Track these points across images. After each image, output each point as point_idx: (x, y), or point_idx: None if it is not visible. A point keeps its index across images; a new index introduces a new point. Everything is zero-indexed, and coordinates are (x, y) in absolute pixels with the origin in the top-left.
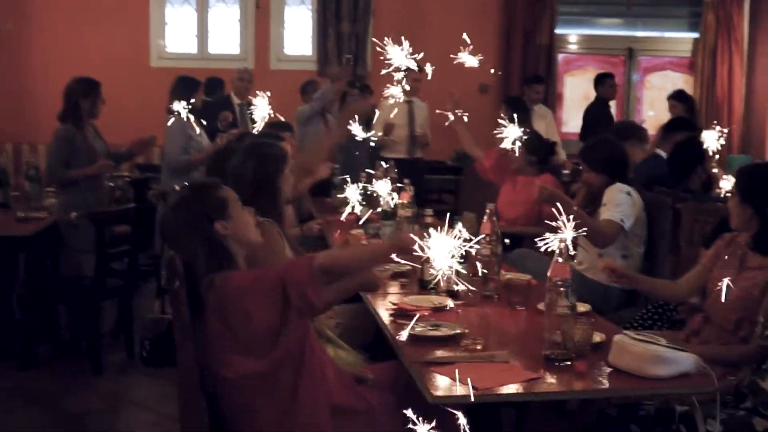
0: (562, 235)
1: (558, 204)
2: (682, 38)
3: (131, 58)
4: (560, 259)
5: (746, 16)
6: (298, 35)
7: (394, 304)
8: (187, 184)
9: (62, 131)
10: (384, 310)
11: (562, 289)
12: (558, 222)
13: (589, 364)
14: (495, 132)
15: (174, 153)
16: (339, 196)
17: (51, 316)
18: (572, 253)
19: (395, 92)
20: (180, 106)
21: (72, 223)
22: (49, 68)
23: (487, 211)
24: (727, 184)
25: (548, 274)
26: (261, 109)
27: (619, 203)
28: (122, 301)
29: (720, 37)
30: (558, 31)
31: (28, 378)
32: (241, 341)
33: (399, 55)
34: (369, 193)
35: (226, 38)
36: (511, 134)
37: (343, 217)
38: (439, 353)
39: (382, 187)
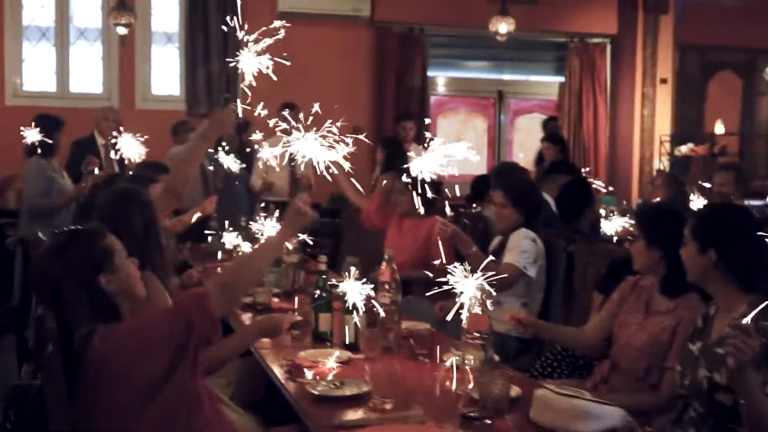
0: (474, 282)
1: (457, 243)
2: (549, 82)
3: None
4: (477, 310)
5: (608, 60)
6: (164, 74)
7: (287, 359)
8: (66, 229)
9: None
10: (278, 367)
11: (480, 342)
12: (459, 267)
13: (511, 423)
14: (374, 174)
15: (35, 196)
16: (218, 240)
17: None
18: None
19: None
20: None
21: None
22: None
23: (386, 257)
24: (609, 225)
25: (464, 326)
26: (130, 150)
27: (525, 250)
28: None
29: (584, 81)
30: (430, 73)
31: None
32: (118, 401)
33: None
34: (253, 234)
35: (89, 76)
36: (399, 175)
37: (222, 264)
38: (348, 415)
39: (269, 227)
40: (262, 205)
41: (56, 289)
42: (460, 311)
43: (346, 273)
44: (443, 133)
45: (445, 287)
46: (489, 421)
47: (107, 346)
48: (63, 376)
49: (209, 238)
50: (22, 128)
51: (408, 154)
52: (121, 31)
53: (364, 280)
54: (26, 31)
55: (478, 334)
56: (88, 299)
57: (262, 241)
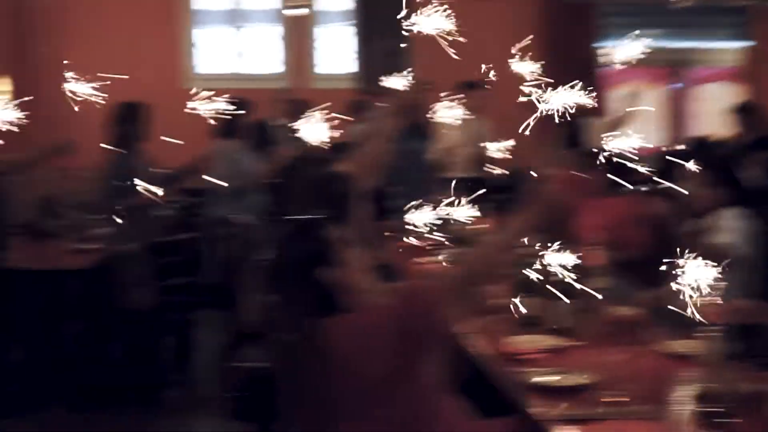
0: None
1: None
2: (727, 48)
3: (165, 79)
4: (719, 300)
5: None
6: (337, 53)
7: (498, 345)
8: (292, 218)
9: (113, 161)
10: (488, 353)
11: (722, 333)
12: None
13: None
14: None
15: (221, 178)
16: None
17: (107, 352)
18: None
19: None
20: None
21: (129, 254)
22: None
23: (593, 240)
24: None
25: (706, 318)
26: (312, 132)
27: (735, 230)
28: (181, 335)
29: None
30: (601, 44)
31: (84, 421)
32: (348, 392)
33: None
34: (444, 217)
35: (264, 57)
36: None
37: (411, 243)
38: (576, 407)
39: (462, 212)
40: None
41: (284, 277)
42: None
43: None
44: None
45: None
46: (735, 420)
47: (335, 338)
48: (296, 364)
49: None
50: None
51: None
52: (298, 12)
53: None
54: (204, 15)
55: (723, 325)
56: (313, 289)
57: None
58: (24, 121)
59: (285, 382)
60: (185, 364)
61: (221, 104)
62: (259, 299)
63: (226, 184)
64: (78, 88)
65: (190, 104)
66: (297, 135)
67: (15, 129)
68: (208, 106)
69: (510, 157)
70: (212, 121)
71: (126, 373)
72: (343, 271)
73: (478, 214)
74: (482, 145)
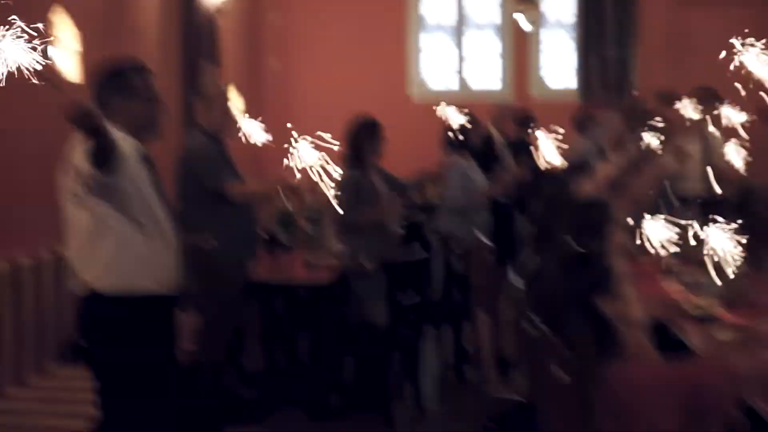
0: None
1: None
2: None
3: (393, 93)
4: None
5: None
6: (558, 65)
7: None
8: (567, 245)
9: (348, 177)
10: None
11: None
12: None
13: None
14: None
15: (454, 194)
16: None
17: (339, 366)
18: None
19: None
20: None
21: (366, 271)
22: (311, 106)
23: None
24: None
25: None
26: (542, 147)
27: None
28: (409, 351)
29: None
30: None
31: (318, 428)
32: None
33: None
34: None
35: (487, 72)
36: None
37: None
38: None
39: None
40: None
41: (557, 306)
42: None
43: None
44: None
45: None
46: None
47: (616, 385)
48: (564, 400)
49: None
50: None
51: None
52: (526, 26)
53: None
54: (428, 29)
55: None
56: (589, 321)
57: None
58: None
59: (548, 417)
60: (412, 379)
61: (453, 116)
62: (511, 324)
63: (456, 200)
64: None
65: (418, 116)
66: (524, 150)
67: (259, 145)
68: (441, 117)
69: (744, 173)
70: (446, 134)
71: (357, 385)
72: (620, 304)
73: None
74: (717, 158)
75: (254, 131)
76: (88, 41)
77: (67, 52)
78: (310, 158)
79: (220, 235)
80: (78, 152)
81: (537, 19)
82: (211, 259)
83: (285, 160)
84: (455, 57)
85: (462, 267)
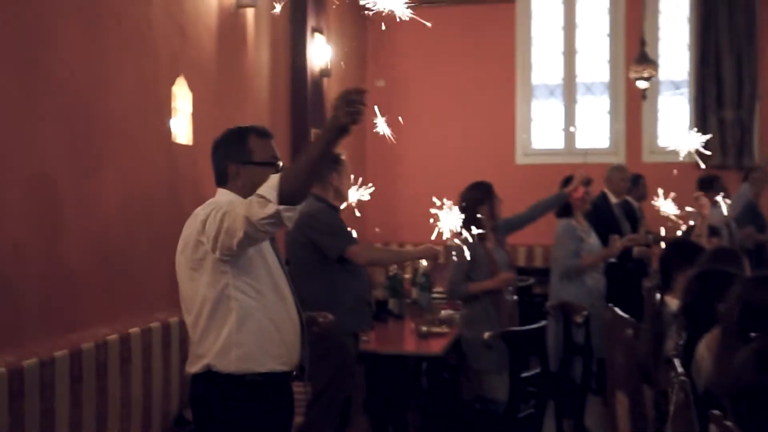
0: None
1: None
2: None
3: (497, 154)
4: None
5: None
6: (673, 124)
7: None
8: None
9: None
10: None
11: None
12: None
13: None
14: None
15: (564, 257)
16: None
17: None
18: None
19: None
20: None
21: (483, 341)
22: (416, 164)
23: None
24: None
25: None
26: (665, 208)
27: None
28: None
29: None
30: None
31: None
32: None
33: None
34: None
35: (594, 131)
36: None
37: None
38: None
39: None
40: None
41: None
42: None
43: None
44: None
45: None
46: None
47: None
48: None
49: None
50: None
51: None
52: (642, 84)
53: None
54: (535, 90)
55: None
56: None
57: None
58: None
59: None
60: None
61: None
62: None
63: (568, 264)
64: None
65: (524, 176)
66: (634, 212)
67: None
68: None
69: None
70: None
71: None
72: None
73: None
74: None
75: (359, 194)
76: (202, 106)
77: (184, 117)
78: (452, 222)
79: (335, 305)
80: (200, 221)
81: (654, 78)
82: (325, 331)
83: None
84: (563, 117)
85: (582, 336)
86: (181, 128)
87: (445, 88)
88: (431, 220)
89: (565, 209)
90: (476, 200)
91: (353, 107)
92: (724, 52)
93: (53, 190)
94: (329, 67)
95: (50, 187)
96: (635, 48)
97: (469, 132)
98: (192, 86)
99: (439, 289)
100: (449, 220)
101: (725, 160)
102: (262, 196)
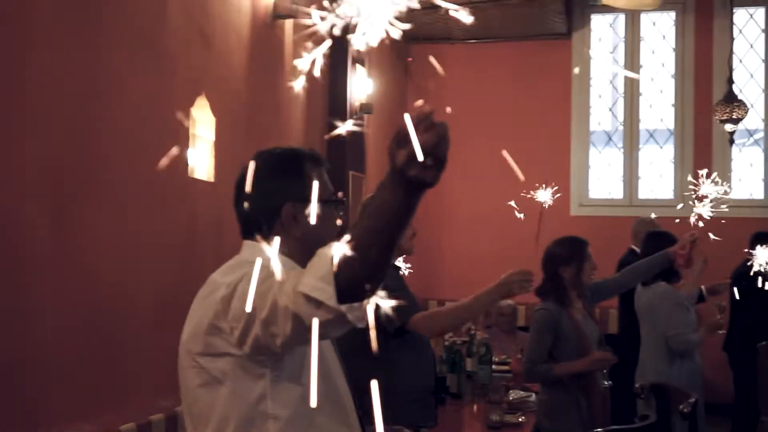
0: None
1: None
2: None
3: (554, 205)
4: None
5: None
6: (744, 175)
7: None
8: None
9: (543, 312)
10: None
11: None
12: None
13: None
14: None
15: (683, 331)
16: None
17: None
18: None
19: None
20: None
21: None
22: (461, 214)
23: None
24: None
25: None
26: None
27: None
28: None
29: None
30: None
31: None
32: None
33: None
34: None
35: (657, 180)
36: None
37: None
38: None
39: None
40: None
41: None
42: None
43: None
44: None
45: None
46: None
47: None
48: None
49: None
50: None
51: None
52: (730, 127)
53: None
54: (592, 136)
55: None
56: None
57: None
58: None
59: None
60: None
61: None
62: None
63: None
64: None
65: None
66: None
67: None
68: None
69: None
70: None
71: None
72: None
73: None
74: None
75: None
76: (228, 135)
77: (205, 147)
78: None
79: (395, 394)
80: (220, 296)
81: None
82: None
83: None
84: (622, 165)
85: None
86: (201, 160)
87: (493, 131)
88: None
89: (668, 272)
90: (561, 258)
91: (440, 150)
92: None
93: (21, 236)
94: (370, 102)
95: (17, 231)
96: (705, 90)
97: (529, 179)
98: (215, 109)
99: (498, 359)
100: None
101: None
102: (311, 298)
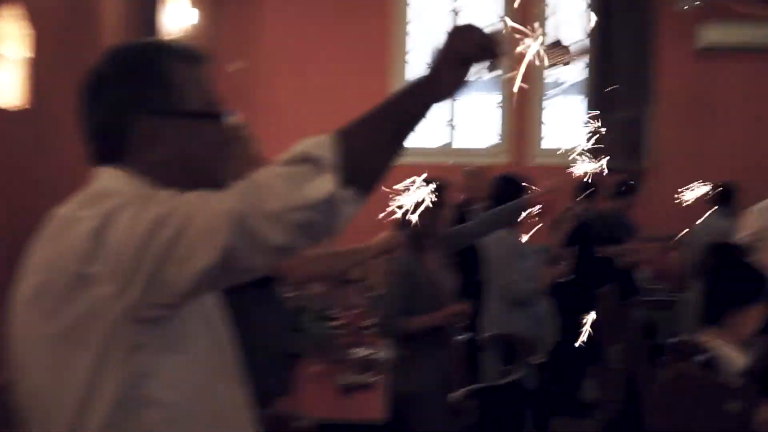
0: None
1: None
2: None
3: None
4: None
5: None
6: (564, 125)
7: None
8: None
9: (396, 264)
10: None
11: None
12: None
13: None
14: None
15: (511, 279)
16: None
17: None
18: None
19: None
20: None
21: (424, 399)
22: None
23: None
24: None
25: None
26: None
27: None
28: None
29: None
30: None
31: None
32: None
33: None
34: None
35: (480, 129)
36: None
37: None
38: None
39: None
40: None
41: None
42: None
43: None
44: None
45: None
46: None
47: None
48: None
49: None
50: None
51: None
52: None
53: None
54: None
55: None
56: None
57: None
58: None
59: None
60: None
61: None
62: None
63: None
64: None
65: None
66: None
67: None
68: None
69: None
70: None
71: None
72: None
73: None
74: None
75: None
76: (46, 52)
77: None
78: None
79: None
80: (86, 231)
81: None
82: None
83: None
84: (446, 114)
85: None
86: (7, 83)
87: (313, 78)
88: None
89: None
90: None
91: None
92: (618, 51)
93: None
94: (188, 34)
95: None
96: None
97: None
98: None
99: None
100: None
101: (615, 162)
102: (306, 155)
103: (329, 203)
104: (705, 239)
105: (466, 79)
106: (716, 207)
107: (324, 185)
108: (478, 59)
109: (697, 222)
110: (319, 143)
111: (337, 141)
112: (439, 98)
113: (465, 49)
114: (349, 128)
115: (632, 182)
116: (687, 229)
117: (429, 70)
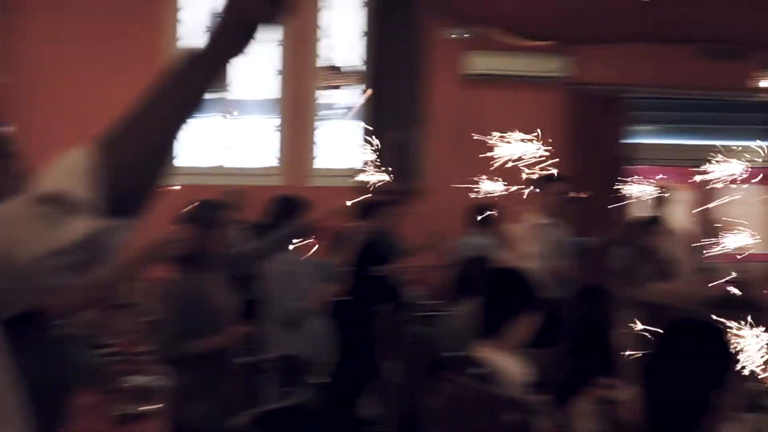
0: None
1: None
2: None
3: None
4: None
5: None
6: (340, 147)
7: None
8: None
9: (171, 285)
10: None
11: None
12: None
13: None
14: None
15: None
16: None
17: None
18: None
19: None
20: None
21: (206, 427)
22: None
23: None
24: None
25: None
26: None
27: None
28: None
29: None
30: (630, 140)
31: None
32: None
33: None
34: None
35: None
36: None
37: None
38: None
39: None
40: None
41: None
42: None
43: None
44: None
45: None
46: None
47: None
48: None
49: None
50: None
51: None
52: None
53: None
54: None
55: None
56: None
57: None
58: None
59: None
60: None
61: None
62: None
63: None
64: None
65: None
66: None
67: None
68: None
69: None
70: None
71: None
72: None
73: None
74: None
75: None
76: None
77: None
78: None
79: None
80: None
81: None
82: None
83: None
84: (222, 135)
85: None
86: None
87: (82, 79)
88: None
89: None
90: (207, 219)
91: None
92: (391, 76)
93: None
94: None
95: None
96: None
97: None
98: None
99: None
100: None
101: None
102: (51, 196)
103: (91, 241)
104: (467, 255)
105: (250, 37)
106: (477, 225)
107: (79, 225)
108: (263, 17)
109: (460, 239)
110: (75, 171)
111: (98, 156)
112: (224, 61)
113: (248, 5)
114: (114, 132)
115: (403, 201)
116: (451, 246)
117: (211, 35)
